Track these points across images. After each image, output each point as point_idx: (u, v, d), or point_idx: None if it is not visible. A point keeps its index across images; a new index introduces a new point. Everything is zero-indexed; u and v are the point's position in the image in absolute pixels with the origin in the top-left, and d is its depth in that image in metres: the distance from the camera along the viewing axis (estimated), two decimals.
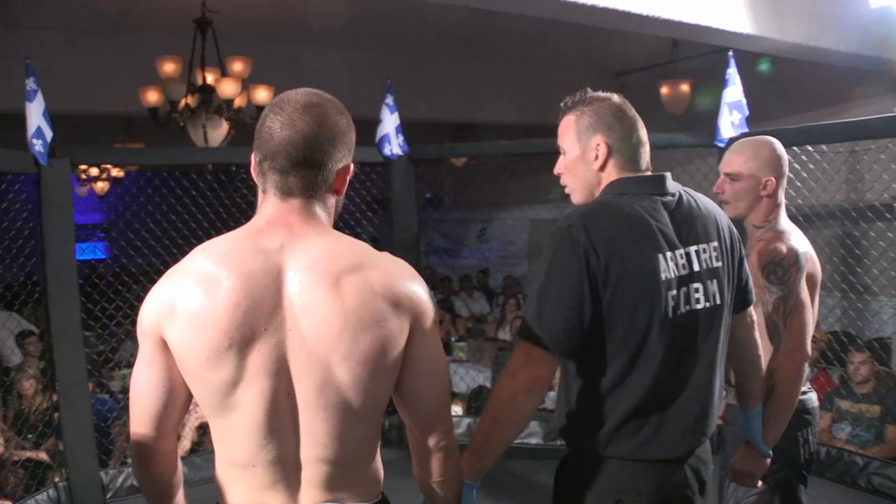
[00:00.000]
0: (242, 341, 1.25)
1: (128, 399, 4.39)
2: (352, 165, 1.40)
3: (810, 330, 2.13)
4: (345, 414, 1.30)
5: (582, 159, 1.72)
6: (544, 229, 9.35)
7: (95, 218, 11.53)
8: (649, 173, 1.71)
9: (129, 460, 4.36)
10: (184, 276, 1.30)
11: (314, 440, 1.30)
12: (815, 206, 4.12)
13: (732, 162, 2.25)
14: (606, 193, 1.69)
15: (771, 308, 2.08)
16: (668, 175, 1.72)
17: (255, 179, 1.38)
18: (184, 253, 1.40)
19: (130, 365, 5.33)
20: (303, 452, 1.31)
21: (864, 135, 3.93)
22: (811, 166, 4.13)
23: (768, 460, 2.05)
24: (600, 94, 1.74)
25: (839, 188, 4.50)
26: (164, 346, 1.30)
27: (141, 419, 1.36)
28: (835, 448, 4.19)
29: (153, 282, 1.37)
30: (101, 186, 9.27)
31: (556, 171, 1.80)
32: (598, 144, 1.69)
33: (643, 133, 1.72)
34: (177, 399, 1.35)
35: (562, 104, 1.78)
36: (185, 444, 4.51)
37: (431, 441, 1.42)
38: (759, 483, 2.10)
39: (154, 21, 5.52)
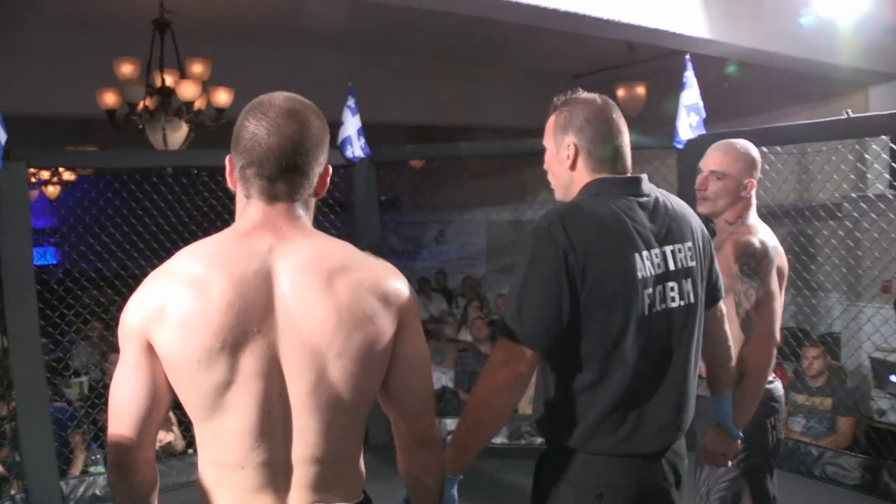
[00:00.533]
0: (234, 343, 1.25)
1: (85, 407, 4.27)
2: (329, 166, 1.42)
3: (779, 318, 2.25)
4: (336, 412, 1.32)
5: (556, 157, 1.78)
6: (502, 230, 9.45)
7: (46, 223, 11.24)
8: (627, 175, 1.76)
9: (91, 469, 4.27)
10: (172, 279, 1.29)
11: (305, 440, 1.31)
12: (770, 205, 4.24)
13: (719, 161, 2.33)
14: (584, 193, 1.73)
15: (744, 297, 2.19)
16: (645, 177, 1.76)
17: (232, 184, 1.38)
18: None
19: (88, 373, 5.24)
20: (294, 453, 1.32)
21: (817, 136, 4.07)
22: (766, 167, 4.26)
23: (739, 442, 2.14)
24: (584, 95, 1.78)
25: (793, 188, 4.65)
26: (151, 350, 1.29)
27: (123, 426, 1.33)
28: (791, 440, 4.32)
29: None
30: (52, 190, 9.06)
31: (545, 167, 1.85)
32: (569, 144, 1.74)
33: (621, 136, 1.75)
34: (161, 404, 1.34)
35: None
36: None
37: (418, 434, 1.46)
38: (730, 463, 2.19)
39: (110, 21, 5.41)
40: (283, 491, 1.33)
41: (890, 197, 4.40)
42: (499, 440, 4.75)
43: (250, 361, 1.26)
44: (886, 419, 4.58)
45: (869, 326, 4.52)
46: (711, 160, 2.34)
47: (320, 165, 1.37)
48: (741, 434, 2.13)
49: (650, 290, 1.64)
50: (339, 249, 1.36)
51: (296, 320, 1.28)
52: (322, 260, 1.31)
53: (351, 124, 4.82)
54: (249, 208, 1.35)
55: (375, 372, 1.36)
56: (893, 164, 4.18)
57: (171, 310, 1.26)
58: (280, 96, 1.35)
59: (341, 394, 1.31)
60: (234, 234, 1.34)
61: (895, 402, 4.60)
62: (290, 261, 1.30)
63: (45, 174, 8.63)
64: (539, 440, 4.84)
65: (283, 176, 1.32)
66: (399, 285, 1.37)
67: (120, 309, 1.36)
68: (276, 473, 1.32)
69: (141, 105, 4.77)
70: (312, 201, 1.41)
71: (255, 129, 1.31)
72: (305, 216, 1.38)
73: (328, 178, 1.42)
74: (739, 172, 2.30)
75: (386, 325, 1.33)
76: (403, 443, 1.49)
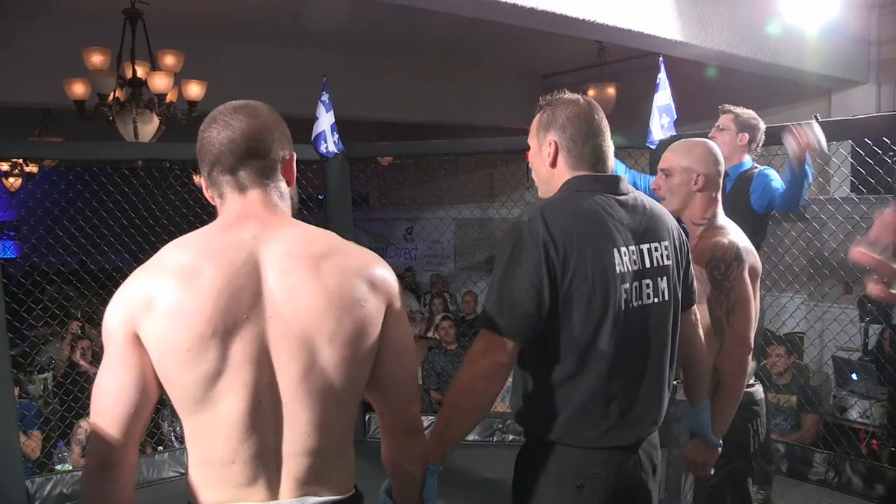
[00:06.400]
0: (225, 330, 1.25)
1: (52, 404, 4.16)
2: (294, 154, 1.45)
3: (753, 324, 2.23)
4: (327, 399, 1.32)
5: (538, 154, 1.83)
6: (470, 228, 9.48)
7: (3, 215, 11.03)
8: (607, 174, 1.79)
9: (58, 467, 4.19)
10: (160, 270, 1.29)
11: (296, 430, 1.31)
12: None
13: (667, 159, 2.33)
14: (564, 189, 1.76)
15: (715, 304, 2.17)
16: (624, 176, 1.83)
17: (210, 198, 1.42)
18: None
19: (52, 368, 5.13)
20: (284, 445, 1.31)
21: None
22: None
23: (719, 449, 2.15)
24: (568, 96, 1.82)
25: None
26: (138, 342, 1.27)
27: (107, 423, 1.28)
28: None
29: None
30: (12, 182, 8.86)
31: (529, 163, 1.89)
32: (550, 142, 1.78)
33: (601, 136, 1.79)
34: (149, 401, 1.30)
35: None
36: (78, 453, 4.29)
37: (405, 421, 1.47)
38: (712, 471, 2.18)
39: (76, 9, 5.31)
40: (274, 484, 1.32)
41: (855, 200, 4.50)
42: (471, 437, 4.76)
43: (240, 348, 1.26)
44: (848, 416, 4.69)
45: (833, 326, 4.62)
46: (661, 160, 2.35)
47: (279, 151, 1.41)
48: (720, 442, 2.13)
49: (627, 286, 1.68)
50: (324, 237, 1.38)
51: (284, 307, 1.28)
52: (308, 246, 1.33)
53: (324, 120, 4.79)
54: (227, 204, 1.38)
55: (366, 357, 1.36)
56: (857, 168, 4.29)
57: (160, 299, 1.25)
58: (227, 103, 1.42)
59: (332, 381, 1.31)
60: (219, 226, 1.37)
61: (857, 400, 4.70)
62: (275, 248, 1.31)
63: (6, 166, 8.45)
64: (511, 437, 4.87)
65: (241, 164, 1.36)
66: (385, 272, 1.39)
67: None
68: (267, 466, 1.31)
69: (111, 96, 4.68)
70: (287, 191, 1.44)
71: (208, 134, 1.37)
72: (282, 204, 1.41)
73: (294, 165, 1.45)
74: (684, 167, 2.27)
75: (374, 310, 1.35)
76: (389, 430, 1.50)
